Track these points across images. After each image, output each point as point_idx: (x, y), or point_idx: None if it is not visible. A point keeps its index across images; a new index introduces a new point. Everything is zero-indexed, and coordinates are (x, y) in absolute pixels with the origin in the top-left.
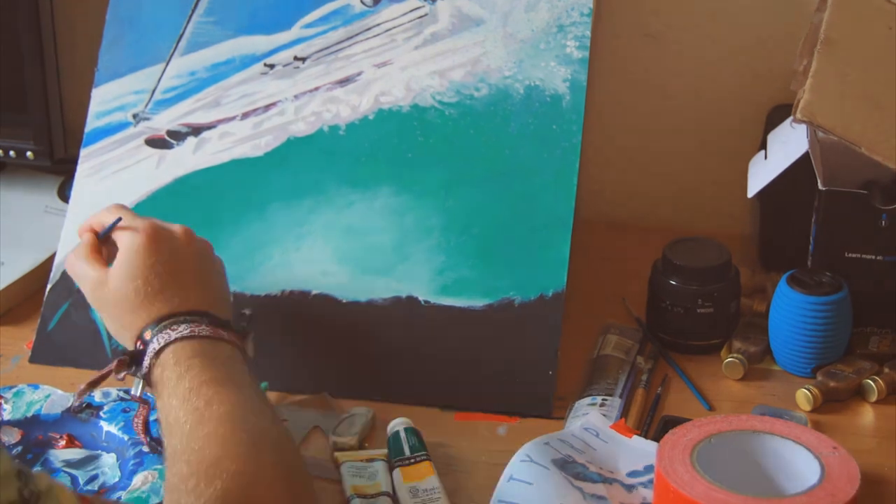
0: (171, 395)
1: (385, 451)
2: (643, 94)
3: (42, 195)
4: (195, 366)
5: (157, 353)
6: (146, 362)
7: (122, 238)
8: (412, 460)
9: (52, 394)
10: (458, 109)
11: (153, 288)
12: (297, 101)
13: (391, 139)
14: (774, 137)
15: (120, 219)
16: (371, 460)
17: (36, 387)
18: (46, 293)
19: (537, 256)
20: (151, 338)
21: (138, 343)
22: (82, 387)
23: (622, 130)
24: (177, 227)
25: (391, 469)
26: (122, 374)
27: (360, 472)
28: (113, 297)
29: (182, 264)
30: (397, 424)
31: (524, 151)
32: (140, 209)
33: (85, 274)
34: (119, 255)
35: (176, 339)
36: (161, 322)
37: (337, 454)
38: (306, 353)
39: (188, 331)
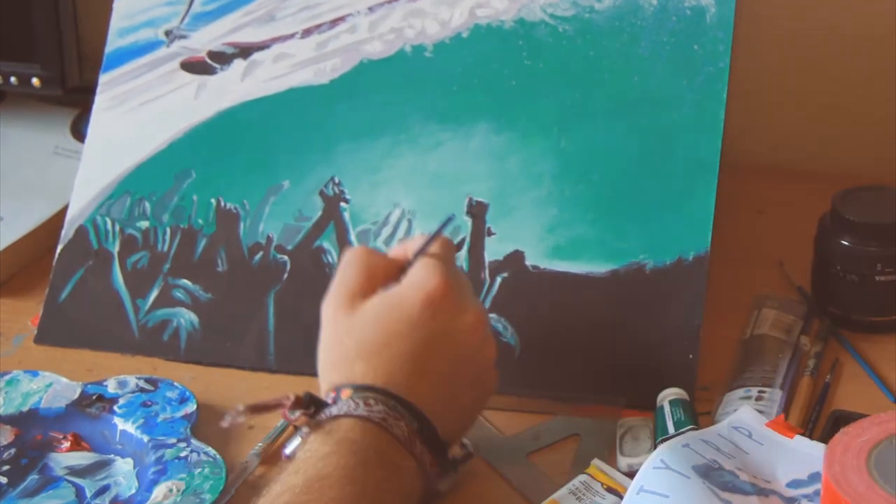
0: (305, 461)
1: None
2: (808, 5)
3: (51, 133)
4: (349, 458)
5: (337, 417)
6: (323, 416)
7: (416, 275)
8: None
9: (54, 382)
10: (575, 25)
11: (395, 354)
12: (372, 15)
13: (490, 63)
14: None
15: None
16: (612, 490)
17: (35, 374)
18: (57, 256)
19: (674, 210)
20: (348, 399)
21: (331, 392)
22: (240, 408)
23: (781, 51)
24: (472, 310)
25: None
26: (295, 415)
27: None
28: (353, 325)
29: (445, 353)
30: (664, 397)
31: (657, 78)
32: (175, 149)
33: (352, 278)
34: (394, 290)
35: (367, 418)
36: (370, 391)
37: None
38: None
39: (380, 417)
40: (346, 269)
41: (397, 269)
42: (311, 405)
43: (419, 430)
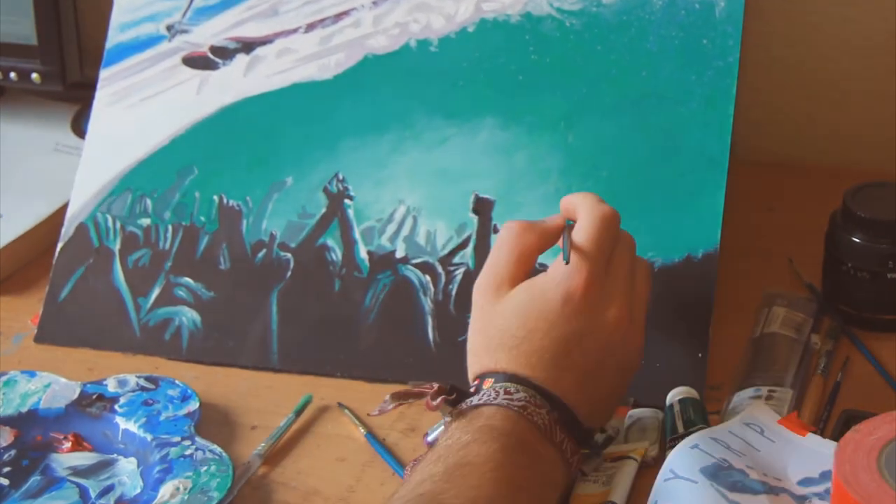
0: (446, 449)
1: (645, 444)
2: None
3: (51, 129)
4: (490, 444)
5: (479, 406)
6: (465, 405)
7: (559, 271)
8: (685, 438)
9: (52, 383)
10: (582, 19)
11: (535, 347)
12: (377, 9)
13: (496, 58)
14: None
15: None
16: (620, 458)
17: (32, 374)
18: (57, 253)
19: (683, 207)
20: (489, 388)
21: (474, 381)
22: (388, 398)
23: (792, 45)
24: (615, 306)
25: (667, 450)
26: (437, 401)
27: (596, 476)
28: (496, 314)
29: (586, 349)
30: (674, 395)
31: (666, 73)
32: (177, 145)
33: (501, 263)
34: (538, 282)
35: (507, 406)
36: (511, 380)
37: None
38: (392, 327)
39: (520, 405)
40: (499, 251)
41: (553, 240)
42: (454, 394)
43: (560, 419)
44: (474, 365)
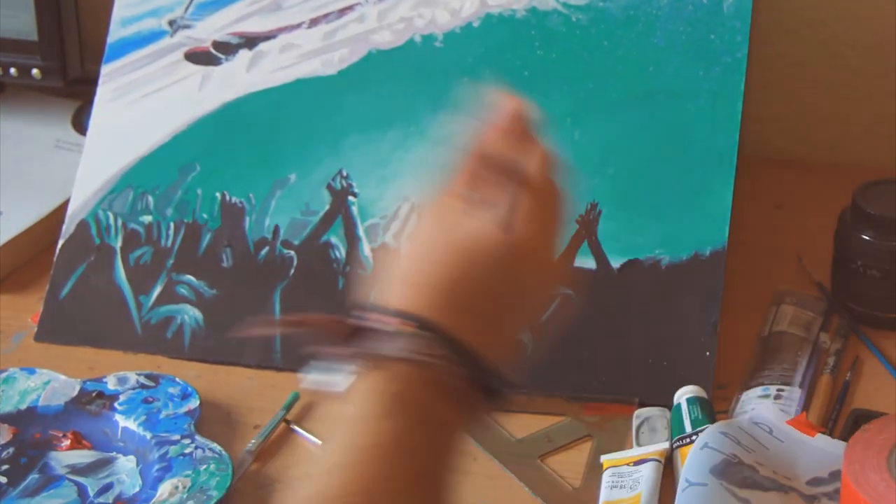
0: (357, 425)
1: (665, 445)
2: None
3: (52, 125)
4: (406, 422)
5: (398, 359)
6: (381, 350)
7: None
8: (694, 438)
9: (52, 380)
10: (589, 14)
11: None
12: (381, 4)
13: (502, 53)
14: None
15: None
16: (641, 461)
17: (31, 371)
18: (58, 251)
19: (691, 204)
20: (410, 335)
21: (374, 316)
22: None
23: (800, 41)
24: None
25: (672, 451)
26: (349, 351)
27: (622, 481)
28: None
29: (503, 287)
30: (681, 395)
31: (673, 69)
32: (179, 142)
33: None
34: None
35: (428, 366)
36: (435, 331)
37: (603, 459)
38: None
39: (440, 367)
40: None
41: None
42: (353, 335)
43: (474, 377)
44: (402, 288)
